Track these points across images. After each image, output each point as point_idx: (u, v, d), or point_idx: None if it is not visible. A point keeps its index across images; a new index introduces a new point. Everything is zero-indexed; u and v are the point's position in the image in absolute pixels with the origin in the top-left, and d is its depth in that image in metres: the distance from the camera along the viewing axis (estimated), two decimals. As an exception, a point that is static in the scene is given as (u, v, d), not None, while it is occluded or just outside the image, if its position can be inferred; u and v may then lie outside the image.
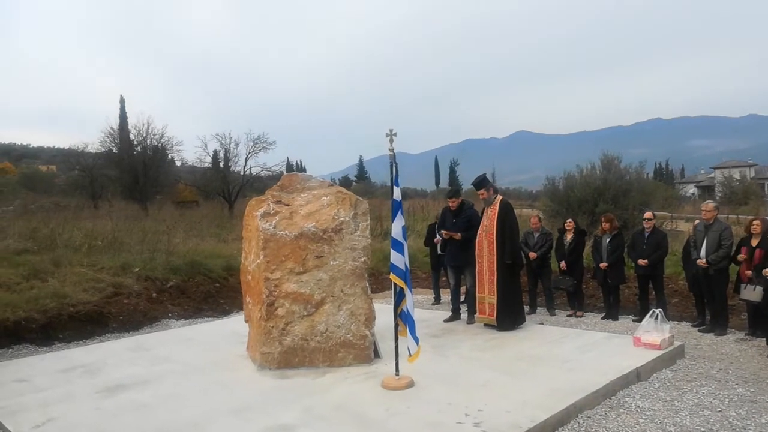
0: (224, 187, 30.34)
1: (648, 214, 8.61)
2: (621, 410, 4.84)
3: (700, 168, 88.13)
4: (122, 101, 38.73)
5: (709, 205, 7.75)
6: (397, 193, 5.36)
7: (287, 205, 6.39)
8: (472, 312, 8.03)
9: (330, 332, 5.98)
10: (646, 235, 8.32)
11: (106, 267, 10.36)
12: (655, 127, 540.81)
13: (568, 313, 8.96)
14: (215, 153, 32.76)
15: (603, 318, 8.61)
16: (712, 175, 70.69)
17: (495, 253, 7.50)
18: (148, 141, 31.56)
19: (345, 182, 62.71)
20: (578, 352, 6.27)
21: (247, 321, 6.74)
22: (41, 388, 5.59)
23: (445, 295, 9.77)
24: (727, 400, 5.07)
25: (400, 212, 5.35)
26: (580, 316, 8.78)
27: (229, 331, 7.78)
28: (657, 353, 6.07)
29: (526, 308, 8.66)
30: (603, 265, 8.53)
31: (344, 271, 6.08)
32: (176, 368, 6.14)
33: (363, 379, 5.52)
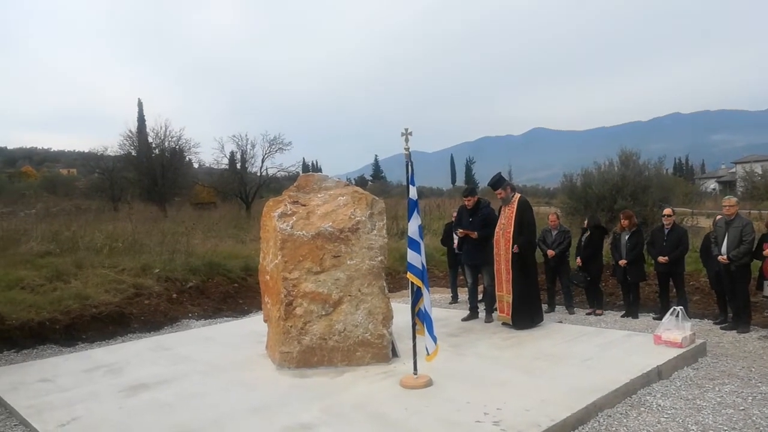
0: (241, 188, 30.59)
1: (668, 211, 8.51)
2: (642, 409, 4.79)
3: (720, 163, 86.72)
4: (140, 104, 39.21)
5: (732, 200, 7.63)
6: (413, 192, 5.36)
7: (304, 205, 6.43)
8: (489, 311, 8.01)
9: (348, 331, 6.01)
10: (666, 231, 8.23)
11: (127, 268, 10.50)
12: (674, 121, 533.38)
13: (587, 311, 8.89)
14: (232, 154, 33.08)
15: (623, 316, 8.54)
16: (733, 170, 69.51)
17: (511, 252, 7.48)
18: (166, 143, 32.00)
19: (361, 182, 62.78)
20: (598, 351, 6.22)
21: (265, 321, 6.79)
22: (65, 387, 5.69)
23: (463, 294, 9.75)
24: (750, 398, 5.00)
25: (416, 211, 5.35)
26: (600, 314, 8.71)
27: (248, 331, 7.85)
28: (678, 351, 6.01)
29: (545, 307, 8.62)
30: (622, 262, 8.45)
31: (361, 270, 6.10)
32: (197, 368, 6.21)
33: (381, 378, 5.54)
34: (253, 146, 32.00)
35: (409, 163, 5.37)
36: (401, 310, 6.95)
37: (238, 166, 32.83)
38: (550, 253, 8.89)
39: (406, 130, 5.47)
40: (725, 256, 7.30)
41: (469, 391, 5.01)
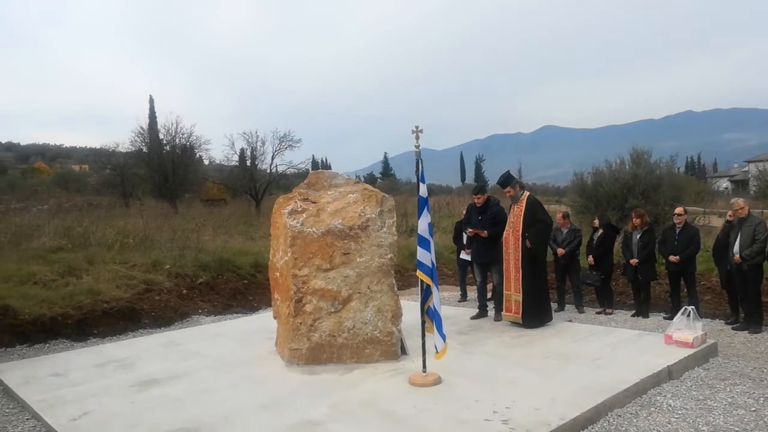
0: (251, 185, 30.70)
1: (679, 210, 8.45)
2: (652, 409, 4.77)
3: (733, 162, 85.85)
4: (151, 101, 39.44)
5: (740, 202, 7.55)
6: (423, 190, 5.35)
7: (314, 202, 6.44)
8: (499, 309, 7.99)
9: (357, 329, 6.02)
10: (678, 230, 8.16)
11: (138, 264, 10.57)
12: (687, 120, 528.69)
13: (598, 310, 8.85)
14: (242, 151, 33.24)
15: (633, 315, 8.49)
16: (745, 168, 68.79)
17: (521, 250, 7.45)
18: (177, 140, 32.21)
19: (370, 179, 62.81)
20: (608, 350, 6.19)
21: (275, 317, 6.81)
22: (77, 382, 5.75)
23: (472, 292, 9.73)
24: (762, 399, 4.95)
25: (426, 209, 5.34)
26: (610, 314, 8.66)
27: (257, 328, 7.88)
28: (689, 351, 5.97)
29: (554, 306, 8.58)
30: (634, 261, 8.39)
31: (371, 267, 6.11)
32: (207, 363, 6.25)
33: (390, 376, 5.55)
34: (263, 143, 32.19)
35: (420, 161, 5.37)
36: (410, 307, 6.95)
37: (248, 163, 32.98)
38: (560, 251, 8.85)
39: (417, 127, 5.46)
40: (738, 255, 7.23)
41: (478, 390, 5.01)
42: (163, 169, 30.77)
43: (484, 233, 7.78)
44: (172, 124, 32.33)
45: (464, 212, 9.09)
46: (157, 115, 36.93)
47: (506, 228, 7.67)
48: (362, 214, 6.19)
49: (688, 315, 6.31)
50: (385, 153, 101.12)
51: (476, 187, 8.63)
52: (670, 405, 4.84)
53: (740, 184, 59.52)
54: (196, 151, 33.68)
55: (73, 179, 43.36)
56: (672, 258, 8.05)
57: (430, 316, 5.29)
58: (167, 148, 32.25)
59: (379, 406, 4.75)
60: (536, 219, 7.45)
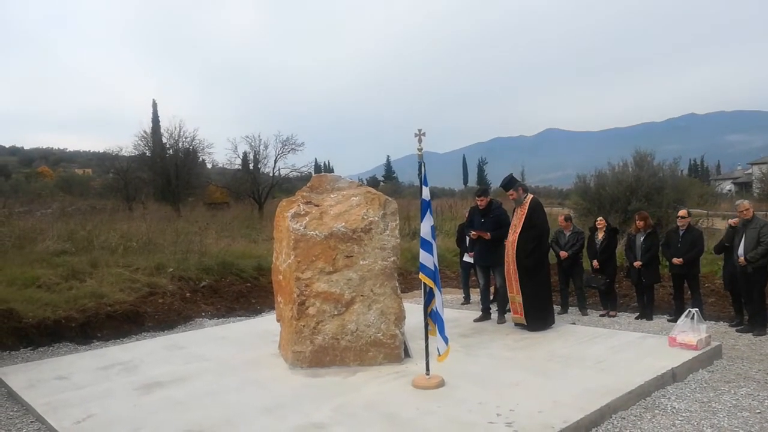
0: (254, 189, 30.77)
1: (682, 212, 8.43)
2: (656, 411, 4.76)
3: (736, 164, 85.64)
4: (155, 105, 39.50)
5: (744, 203, 7.54)
6: (425, 193, 5.36)
7: (317, 205, 6.45)
8: (502, 312, 7.98)
9: (360, 331, 6.02)
10: (681, 233, 8.15)
11: (141, 267, 10.59)
12: (690, 122, 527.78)
13: (601, 312, 8.84)
14: (245, 155, 33.31)
15: (637, 318, 8.47)
16: (749, 171, 68.62)
17: (515, 253, 7.43)
18: (180, 144, 32.30)
19: (373, 182, 62.83)
20: (611, 353, 6.18)
21: (278, 320, 6.82)
22: (81, 385, 5.76)
23: (475, 295, 9.73)
24: (766, 401, 4.94)
25: (429, 212, 5.35)
26: (614, 316, 8.65)
27: (260, 330, 7.89)
28: (693, 353, 5.95)
29: (558, 308, 8.56)
30: (637, 263, 8.38)
31: (374, 270, 6.11)
32: (210, 366, 6.26)
33: (393, 378, 5.54)
34: (266, 147, 32.30)
35: (422, 164, 5.38)
36: (413, 310, 6.95)
37: (251, 166, 33.05)
38: (563, 254, 8.84)
39: (419, 131, 5.47)
40: (742, 257, 7.22)
41: (481, 392, 5.00)
42: (166, 173, 30.86)
43: (487, 235, 7.79)
44: (175, 128, 32.48)
45: (467, 215, 9.09)
46: (160, 118, 37.07)
47: (509, 230, 7.66)
48: (365, 217, 6.20)
49: (692, 317, 6.30)
50: (388, 156, 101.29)
51: (480, 190, 8.63)
52: (674, 407, 4.82)
53: (744, 187, 59.37)
54: (199, 154, 33.82)
55: (77, 183, 43.46)
56: (675, 260, 8.04)
57: (433, 318, 5.29)
58: (170, 151, 32.34)
59: (383, 408, 4.74)
60: (532, 224, 7.43)
